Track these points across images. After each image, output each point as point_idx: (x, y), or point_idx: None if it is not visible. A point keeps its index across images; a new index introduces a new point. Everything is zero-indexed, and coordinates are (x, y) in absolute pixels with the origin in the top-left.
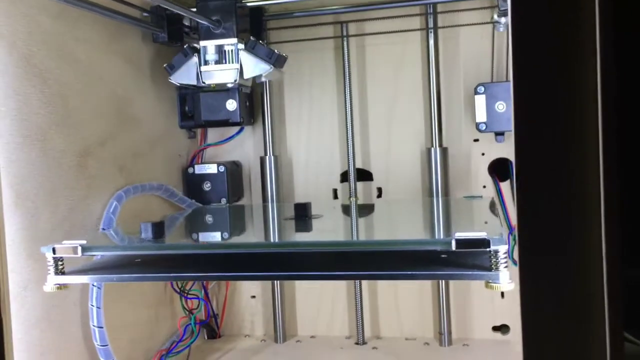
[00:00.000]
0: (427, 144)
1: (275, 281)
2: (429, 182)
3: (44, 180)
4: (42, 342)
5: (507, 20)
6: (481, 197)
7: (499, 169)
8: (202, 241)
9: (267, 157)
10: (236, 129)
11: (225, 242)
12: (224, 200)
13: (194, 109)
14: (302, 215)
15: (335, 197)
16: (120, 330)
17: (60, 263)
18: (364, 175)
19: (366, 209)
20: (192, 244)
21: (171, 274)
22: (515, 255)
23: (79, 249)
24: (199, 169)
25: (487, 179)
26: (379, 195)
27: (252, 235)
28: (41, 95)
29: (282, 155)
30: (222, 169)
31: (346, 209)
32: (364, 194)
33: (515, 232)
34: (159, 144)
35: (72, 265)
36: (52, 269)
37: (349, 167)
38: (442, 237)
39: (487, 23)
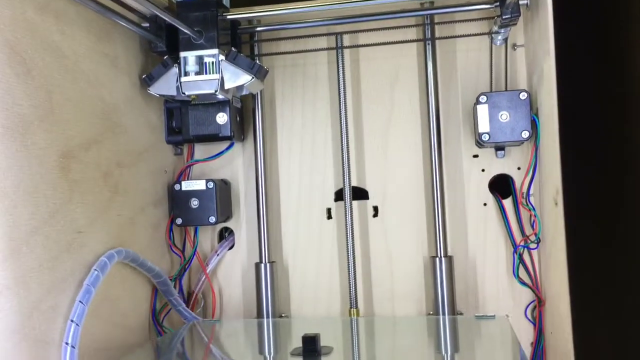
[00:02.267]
0: (426, 165)
1: None
2: (434, 295)
3: (24, 178)
4: (15, 355)
5: (506, 31)
6: (494, 317)
7: (499, 186)
8: None
9: (263, 264)
10: (225, 145)
11: None
12: (212, 219)
13: (182, 124)
14: (311, 349)
15: (329, 217)
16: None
17: None
18: (360, 193)
19: (373, 331)
20: None
21: None
22: (520, 273)
23: None
24: (186, 185)
25: (488, 196)
26: (375, 215)
27: None
28: (25, 86)
29: (273, 173)
30: (210, 185)
31: (354, 332)
32: (359, 213)
33: (520, 249)
34: (144, 156)
35: None
36: None
37: (344, 185)
38: None
39: (486, 34)
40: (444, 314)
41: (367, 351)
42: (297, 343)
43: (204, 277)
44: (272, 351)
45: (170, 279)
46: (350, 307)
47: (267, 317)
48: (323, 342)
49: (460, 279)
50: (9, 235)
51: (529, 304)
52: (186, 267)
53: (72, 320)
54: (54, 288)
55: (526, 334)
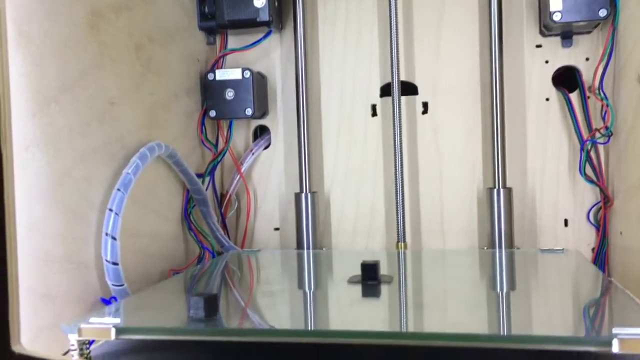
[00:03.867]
0: (483, 57)
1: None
2: (491, 227)
3: (51, 26)
4: (47, 222)
5: None
6: (562, 250)
7: (564, 79)
8: (268, 326)
9: (304, 194)
10: (262, 33)
11: (308, 330)
12: (249, 111)
13: (215, 8)
14: (371, 277)
15: (374, 114)
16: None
17: (86, 347)
18: (408, 88)
19: (426, 264)
20: (259, 329)
21: None
22: (586, 170)
23: (113, 331)
24: (221, 75)
25: (551, 91)
26: (425, 112)
27: (326, 312)
28: None
29: (313, 66)
30: (247, 74)
31: (410, 263)
32: (407, 109)
33: (587, 145)
34: (176, 38)
35: None
36: (75, 355)
37: (392, 78)
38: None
39: None
40: (500, 229)
41: (430, 281)
42: (350, 272)
43: (238, 176)
44: (326, 279)
45: (202, 175)
46: (398, 241)
47: (308, 247)
48: (385, 274)
49: (518, 179)
50: (37, 86)
51: (592, 207)
52: (219, 160)
53: (110, 210)
54: (86, 156)
55: (587, 239)
